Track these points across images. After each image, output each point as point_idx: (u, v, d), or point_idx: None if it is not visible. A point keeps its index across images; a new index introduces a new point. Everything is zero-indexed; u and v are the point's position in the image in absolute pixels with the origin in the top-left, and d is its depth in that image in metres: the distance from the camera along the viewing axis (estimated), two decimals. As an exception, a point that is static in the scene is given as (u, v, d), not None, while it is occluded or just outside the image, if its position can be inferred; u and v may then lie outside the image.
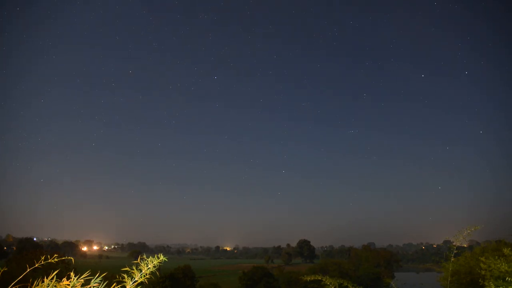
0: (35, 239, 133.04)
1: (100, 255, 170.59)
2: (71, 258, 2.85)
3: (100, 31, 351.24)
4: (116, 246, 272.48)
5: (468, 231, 8.90)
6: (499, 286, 7.19)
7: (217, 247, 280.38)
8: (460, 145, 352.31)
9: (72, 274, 2.17)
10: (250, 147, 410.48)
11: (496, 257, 8.54)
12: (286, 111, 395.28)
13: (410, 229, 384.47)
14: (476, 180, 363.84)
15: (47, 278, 2.16)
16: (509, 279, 7.20)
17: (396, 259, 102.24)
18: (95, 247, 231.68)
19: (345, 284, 6.85)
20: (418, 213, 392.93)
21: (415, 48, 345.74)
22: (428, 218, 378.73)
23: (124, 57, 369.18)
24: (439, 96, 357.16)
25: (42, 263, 2.46)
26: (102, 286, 2.17)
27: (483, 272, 8.82)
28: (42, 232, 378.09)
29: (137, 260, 2.45)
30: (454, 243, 9.22)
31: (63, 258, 2.66)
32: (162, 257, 2.47)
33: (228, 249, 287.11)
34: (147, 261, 2.42)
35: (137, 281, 2.32)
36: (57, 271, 2.24)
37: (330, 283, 6.64)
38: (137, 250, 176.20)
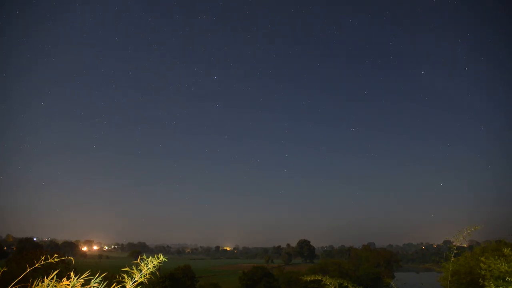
0: (35, 239, 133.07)
1: (100, 255, 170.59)
2: (71, 258, 2.84)
3: (100, 31, 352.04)
4: (116, 246, 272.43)
5: (468, 231, 8.89)
6: (499, 286, 7.19)
7: (217, 247, 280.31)
8: (460, 145, 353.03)
9: (72, 274, 2.17)
10: (250, 147, 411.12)
11: (496, 257, 8.53)
12: (286, 111, 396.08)
13: (410, 229, 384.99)
14: (476, 180, 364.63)
15: (47, 278, 2.16)
16: (509, 279, 7.20)
17: (396, 259, 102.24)
18: (95, 247, 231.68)
19: (345, 284, 6.84)
20: (418, 213, 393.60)
21: (415, 46, 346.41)
22: (428, 218, 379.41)
23: (124, 58, 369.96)
24: (439, 96, 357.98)
25: (42, 263, 2.46)
26: (102, 286, 2.16)
27: (483, 272, 8.81)
28: (42, 232, 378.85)
29: (137, 260, 2.45)
30: (454, 243, 9.21)
31: (63, 258, 2.65)
32: (162, 257, 2.47)
33: (228, 249, 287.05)
34: (147, 261, 2.41)
35: (137, 281, 2.32)
36: (57, 271, 2.23)
37: (330, 283, 6.63)
38: (137, 250, 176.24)
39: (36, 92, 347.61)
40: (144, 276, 2.37)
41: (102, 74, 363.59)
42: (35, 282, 2.15)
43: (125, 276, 2.32)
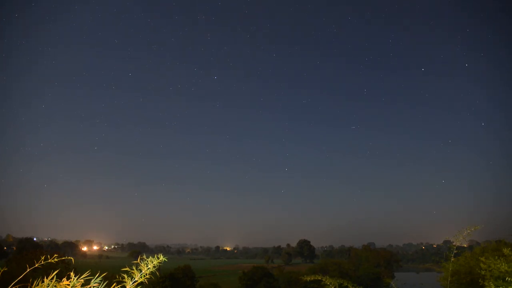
0: (35, 239, 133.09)
1: (100, 255, 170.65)
2: (71, 258, 2.85)
3: (100, 32, 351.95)
4: (116, 246, 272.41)
5: (468, 231, 8.89)
6: (499, 286, 7.19)
7: (217, 247, 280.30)
8: (460, 145, 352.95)
9: (72, 274, 2.17)
10: (250, 147, 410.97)
11: (496, 257, 8.52)
12: (286, 110, 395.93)
13: (410, 229, 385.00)
14: (476, 180, 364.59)
15: (47, 278, 2.16)
16: (509, 279, 7.19)
17: (396, 259, 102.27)
18: (95, 247, 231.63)
19: (345, 284, 6.84)
20: (418, 213, 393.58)
21: (415, 46, 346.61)
22: (428, 218, 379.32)
23: (124, 58, 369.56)
24: (439, 96, 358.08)
25: (42, 263, 2.46)
26: (102, 286, 2.17)
27: (483, 272, 8.81)
28: (42, 232, 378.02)
29: (137, 260, 2.45)
30: (454, 243, 9.21)
31: (63, 258, 2.66)
32: (162, 257, 2.47)
33: (228, 249, 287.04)
34: (147, 261, 2.42)
35: (137, 281, 2.33)
36: (57, 271, 2.23)
37: (330, 283, 6.63)
38: (137, 250, 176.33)
39: (36, 93, 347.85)
40: (144, 276, 2.37)
41: (102, 74, 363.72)
42: (35, 282, 2.15)
43: (125, 276, 2.32)
